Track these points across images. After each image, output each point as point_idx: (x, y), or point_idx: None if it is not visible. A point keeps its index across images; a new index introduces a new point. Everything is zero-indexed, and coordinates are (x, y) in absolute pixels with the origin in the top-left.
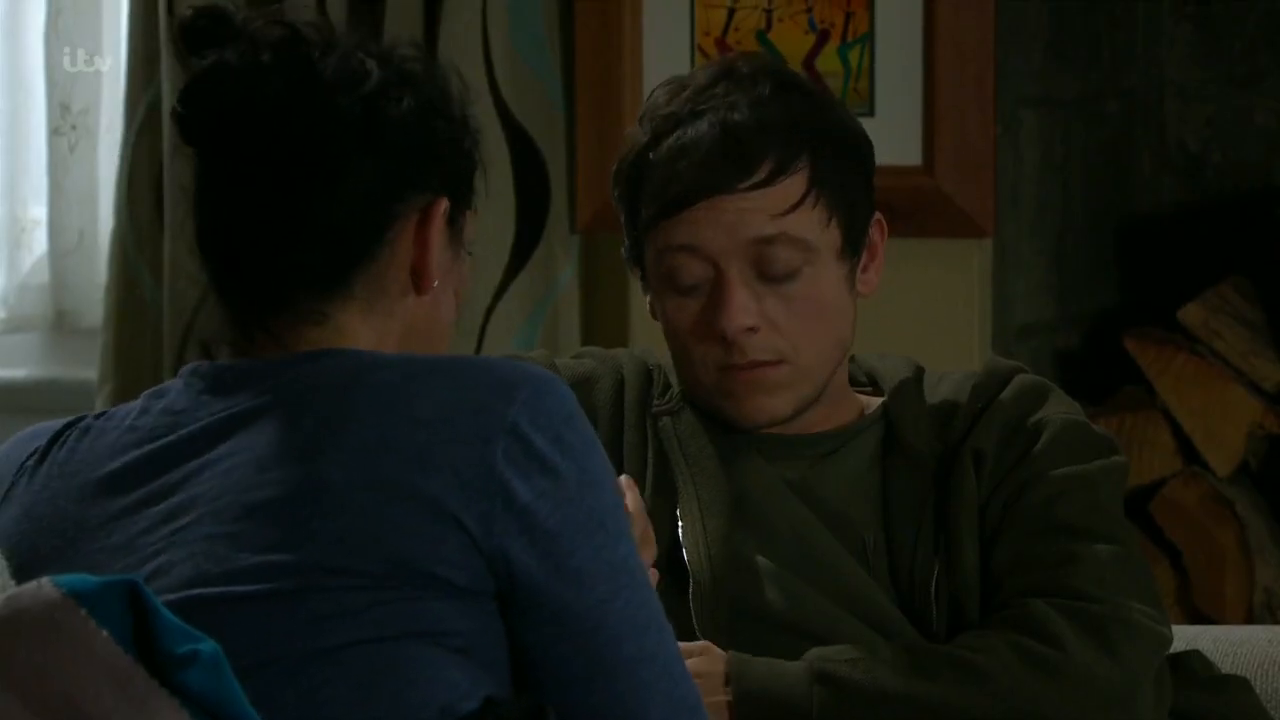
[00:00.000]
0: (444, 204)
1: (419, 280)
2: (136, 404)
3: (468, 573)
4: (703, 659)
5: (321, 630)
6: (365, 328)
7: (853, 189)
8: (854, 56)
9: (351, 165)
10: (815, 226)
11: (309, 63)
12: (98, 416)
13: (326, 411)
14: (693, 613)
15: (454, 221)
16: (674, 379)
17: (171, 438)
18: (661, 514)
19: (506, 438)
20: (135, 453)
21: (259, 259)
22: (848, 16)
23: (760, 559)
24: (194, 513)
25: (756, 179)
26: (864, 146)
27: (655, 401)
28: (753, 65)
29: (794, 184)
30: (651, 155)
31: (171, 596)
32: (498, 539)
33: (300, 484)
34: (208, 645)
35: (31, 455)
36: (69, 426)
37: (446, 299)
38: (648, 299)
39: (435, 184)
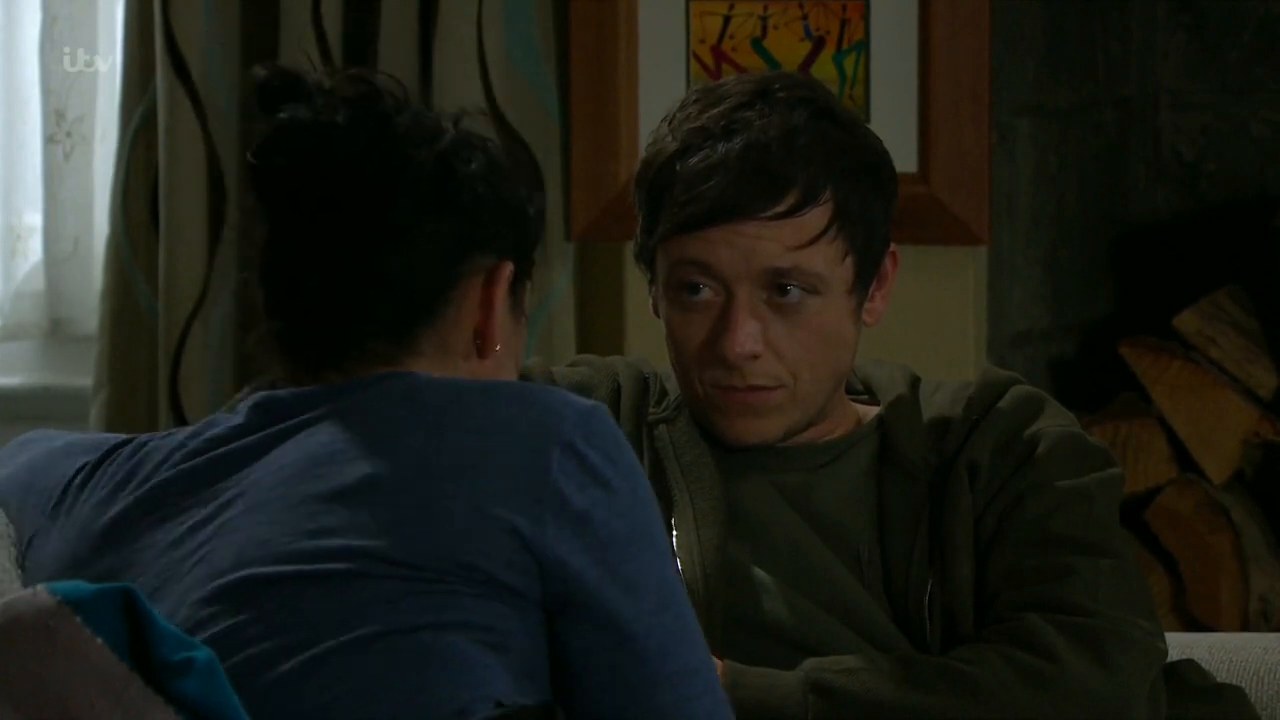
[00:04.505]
0: (509, 267)
1: (482, 343)
2: (191, 427)
3: (515, 573)
4: None
5: (357, 617)
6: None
7: (873, 224)
8: (849, 64)
9: (422, 221)
10: (830, 262)
11: (384, 117)
12: (152, 436)
13: (382, 419)
14: None
15: (515, 290)
16: (670, 386)
17: (224, 449)
18: None
19: (561, 451)
20: (186, 464)
21: (328, 311)
22: (843, 24)
23: (755, 570)
24: (242, 504)
25: (779, 209)
26: (891, 182)
27: (651, 409)
28: (790, 89)
29: (816, 217)
30: (679, 167)
31: (216, 582)
32: (552, 544)
33: (351, 479)
34: (202, 652)
35: (80, 471)
36: (122, 444)
37: (508, 366)
38: (651, 295)
39: (501, 247)
